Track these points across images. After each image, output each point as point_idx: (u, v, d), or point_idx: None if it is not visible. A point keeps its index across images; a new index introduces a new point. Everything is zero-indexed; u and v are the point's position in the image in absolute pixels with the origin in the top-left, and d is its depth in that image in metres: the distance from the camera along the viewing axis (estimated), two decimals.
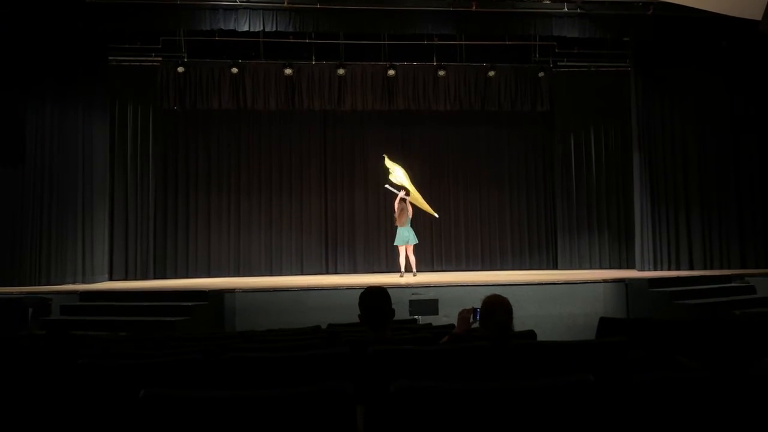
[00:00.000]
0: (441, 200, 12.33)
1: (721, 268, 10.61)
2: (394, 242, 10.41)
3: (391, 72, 11.47)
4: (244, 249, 11.92)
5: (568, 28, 10.28)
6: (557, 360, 2.68)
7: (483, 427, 1.59)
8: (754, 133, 11.00)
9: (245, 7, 9.71)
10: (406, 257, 10.24)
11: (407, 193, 10.34)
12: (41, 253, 9.83)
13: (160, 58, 11.28)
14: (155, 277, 11.27)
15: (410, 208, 10.25)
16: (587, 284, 8.91)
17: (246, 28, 9.77)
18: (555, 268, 12.12)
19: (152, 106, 11.46)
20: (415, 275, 10.07)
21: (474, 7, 9.88)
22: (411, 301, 8.26)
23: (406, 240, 10.14)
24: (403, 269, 10.23)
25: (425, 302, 8.31)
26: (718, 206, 10.87)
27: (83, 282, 9.86)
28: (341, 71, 11.40)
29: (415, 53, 11.55)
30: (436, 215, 10.70)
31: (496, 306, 3.29)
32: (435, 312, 8.13)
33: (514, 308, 3.32)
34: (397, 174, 10.38)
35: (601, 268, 11.72)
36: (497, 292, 3.44)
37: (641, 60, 10.93)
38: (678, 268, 10.63)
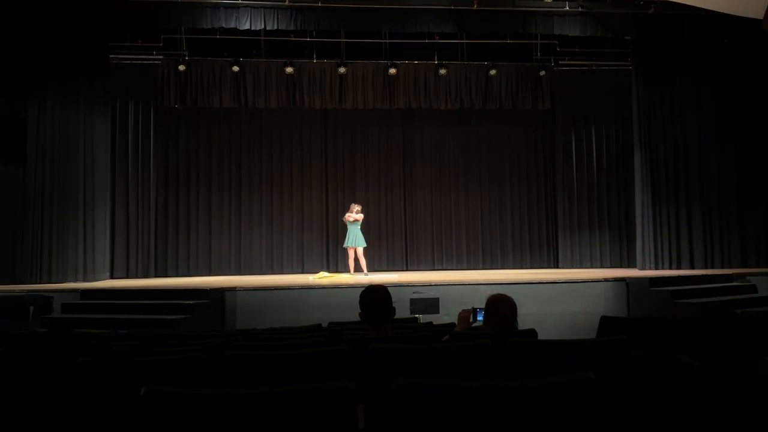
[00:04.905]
0: (442, 198, 12.35)
1: (722, 267, 10.61)
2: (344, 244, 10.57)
3: (392, 70, 11.47)
4: (245, 247, 11.93)
5: (570, 27, 10.28)
6: (558, 358, 2.68)
7: (484, 425, 1.59)
8: (756, 132, 10.98)
9: (246, 6, 9.71)
10: (356, 258, 10.40)
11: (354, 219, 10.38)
12: (42, 250, 9.86)
13: (161, 56, 11.29)
14: (156, 275, 11.30)
15: (357, 216, 10.35)
16: (588, 283, 8.93)
17: (247, 27, 9.79)
18: (556, 266, 12.13)
19: (153, 104, 11.48)
20: (366, 275, 10.23)
21: (475, 6, 9.88)
22: (412, 300, 8.27)
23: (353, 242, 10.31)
24: (352, 270, 10.46)
25: (426, 301, 8.32)
26: (719, 205, 10.87)
27: (84, 280, 9.89)
28: (342, 69, 11.39)
29: (417, 52, 11.53)
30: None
31: (501, 303, 3.30)
32: (436, 311, 8.15)
33: None
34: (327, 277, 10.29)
35: (602, 266, 11.72)
36: (498, 291, 3.45)
37: (642, 58, 10.93)
38: (679, 267, 10.63)
